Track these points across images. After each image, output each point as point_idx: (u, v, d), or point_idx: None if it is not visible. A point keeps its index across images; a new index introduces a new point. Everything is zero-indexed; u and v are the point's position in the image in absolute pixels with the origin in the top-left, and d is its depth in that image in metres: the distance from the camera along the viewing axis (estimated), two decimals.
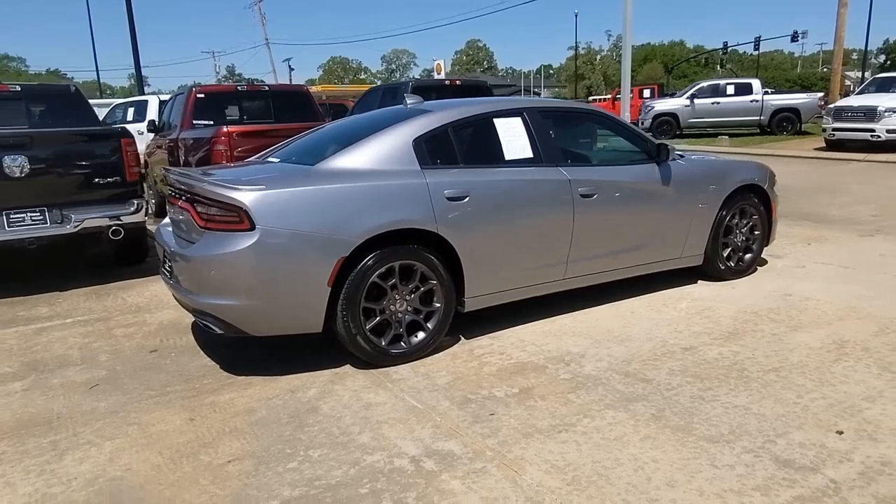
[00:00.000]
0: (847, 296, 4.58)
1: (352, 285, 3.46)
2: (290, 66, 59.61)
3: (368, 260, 3.48)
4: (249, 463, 2.72)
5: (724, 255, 5.04)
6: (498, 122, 4.07)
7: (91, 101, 7.85)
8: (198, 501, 2.46)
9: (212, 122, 7.91)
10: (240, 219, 3.25)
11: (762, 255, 5.68)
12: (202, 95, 8.20)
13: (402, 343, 3.70)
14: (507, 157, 4.03)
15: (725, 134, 18.59)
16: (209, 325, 3.48)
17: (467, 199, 3.74)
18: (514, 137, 4.07)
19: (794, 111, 19.34)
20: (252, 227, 3.23)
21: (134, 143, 6.15)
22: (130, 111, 14.84)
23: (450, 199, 3.68)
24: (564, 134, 4.61)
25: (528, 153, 4.10)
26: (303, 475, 2.60)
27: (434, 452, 2.73)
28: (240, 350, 3.99)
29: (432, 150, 3.80)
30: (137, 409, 3.28)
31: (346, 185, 3.49)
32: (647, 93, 23.74)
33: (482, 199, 3.79)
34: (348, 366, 3.69)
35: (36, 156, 5.55)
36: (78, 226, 5.68)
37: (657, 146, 4.53)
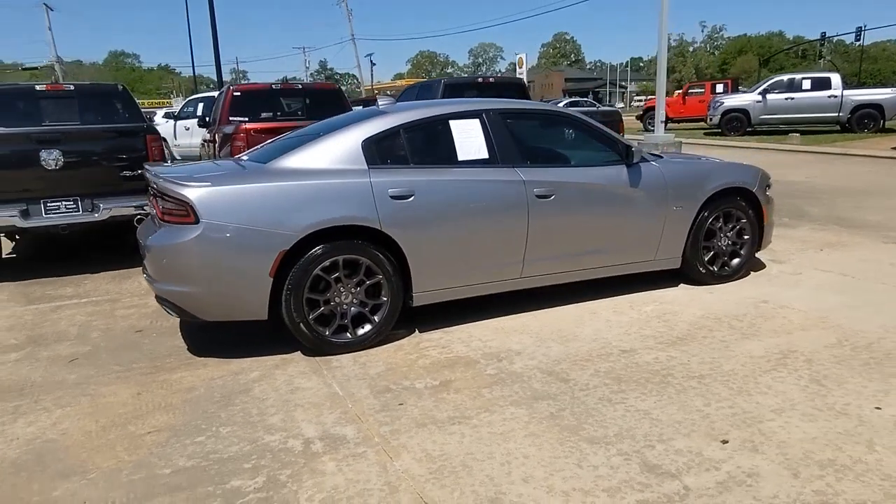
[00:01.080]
0: (827, 305, 4.40)
1: (295, 277, 3.69)
2: (371, 62, 61.27)
3: (311, 254, 3.70)
4: (165, 435, 3.00)
5: (706, 259, 4.93)
6: (454, 123, 4.18)
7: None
8: (105, 465, 2.76)
9: (246, 119, 8.37)
10: (187, 213, 3.54)
11: (761, 260, 5.53)
12: (238, 94, 8.68)
13: (348, 334, 3.90)
14: (461, 157, 4.14)
15: (798, 131, 17.62)
16: (168, 309, 3.80)
17: (412, 198, 3.88)
18: (469, 139, 4.17)
19: (876, 107, 18.10)
20: (197, 221, 3.52)
21: (159, 138, 6.66)
22: (200, 106, 15.80)
23: (394, 197, 3.84)
24: (529, 135, 4.66)
25: (484, 154, 4.19)
26: (203, 448, 2.85)
27: (328, 436, 2.92)
28: (213, 333, 4.29)
29: (382, 150, 3.97)
30: (98, 382, 3.65)
31: (290, 182, 3.72)
32: (720, 88, 22.78)
33: (428, 199, 3.93)
34: (298, 353, 3.93)
35: (69, 150, 6.13)
36: (107, 214, 6.23)
37: (625, 148, 4.50)
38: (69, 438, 3.01)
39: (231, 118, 8.58)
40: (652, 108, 24.04)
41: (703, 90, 23.43)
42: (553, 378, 3.43)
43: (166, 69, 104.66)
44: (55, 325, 4.77)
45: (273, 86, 9.11)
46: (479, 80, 10.22)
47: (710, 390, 3.21)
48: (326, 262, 3.77)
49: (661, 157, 4.95)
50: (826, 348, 3.68)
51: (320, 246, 3.73)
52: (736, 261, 5.08)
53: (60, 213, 6.20)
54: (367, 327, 3.94)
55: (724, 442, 2.71)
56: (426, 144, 4.17)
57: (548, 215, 4.26)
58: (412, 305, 4.08)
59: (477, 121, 4.23)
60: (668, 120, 23.40)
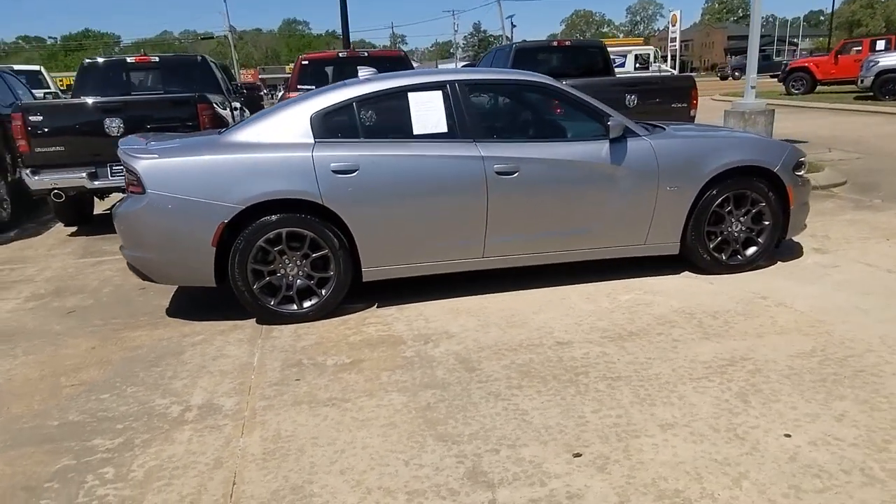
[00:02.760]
0: (833, 307, 3.80)
1: (239, 247, 3.81)
2: (512, 23, 60.29)
3: (254, 225, 3.80)
4: (81, 389, 3.27)
5: (711, 246, 4.41)
6: (413, 96, 4.04)
7: None
8: (16, 412, 3.07)
9: (313, 87, 8.64)
10: (138, 183, 3.76)
11: (801, 246, 4.89)
12: (306, 62, 8.97)
13: (294, 306, 3.98)
14: (417, 131, 4.00)
15: None
16: (135, 273, 4.09)
17: (356, 172, 3.83)
18: (427, 112, 4.02)
19: None
20: (144, 191, 3.73)
21: (210, 106, 7.06)
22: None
23: (336, 172, 3.81)
24: (501, 108, 4.38)
25: (443, 128, 4.02)
26: (100, 405, 3.08)
27: (207, 405, 3.03)
28: (201, 296, 4.52)
29: (332, 124, 3.94)
30: (72, 335, 4.03)
31: (234, 155, 3.81)
32: (881, 45, 19.75)
33: (374, 174, 3.86)
34: (253, 321, 4.08)
35: (128, 118, 6.68)
36: None
37: (608, 121, 4.10)
38: (10, 384, 3.37)
39: (299, 86, 8.90)
40: (797, 70, 21.61)
41: (860, 48, 20.49)
42: (462, 366, 3.28)
43: (333, 35, 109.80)
44: (85, 278, 5.31)
45: (339, 54, 9.29)
46: (554, 43, 9.69)
47: (613, 395, 2.91)
48: (270, 234, 3.84)
49: (664, 130, 4.47)
50: (789, 357, 3.18)
51: (263, 218, 3.81)
52: (752, 249, 4.50)
53: (123, 175, 6.82)
54: (314, 300, 3.99)
55: (576, 455, 2.47)
56: (380, 118, 4.07)
57: (510, 193, 4.02)
58: (363, 281, 4.06)
59: (439, 93, 4.06)
60: (816, 82, 20.94)
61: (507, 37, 62.13)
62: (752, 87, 8.26)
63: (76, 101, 6.75)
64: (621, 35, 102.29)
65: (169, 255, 3.86)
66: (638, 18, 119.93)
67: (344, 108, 3.97)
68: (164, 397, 3.13)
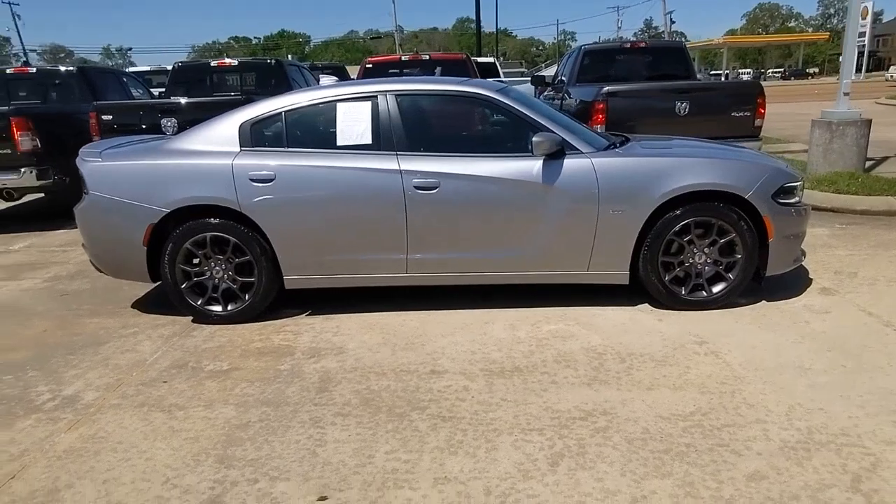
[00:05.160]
0: (772, 364, 3.22)
1: (170, 248, 4.02)
2: (671, 20, 57.29)
3: (182, 228, 3.99)
4: (11, 365, 3.64)
5: (667, 278, 3.92)
6: (342, 106, 4.00)
7: None
8: None
9: None
10: (83, 184, 4.10)
11: (803, 282, 4.24)
12: (370, 66, 9.17)
13: (219, 307, 4.13)
14: (341, 142, 3.95)
15: None
16: (93, 265, 4.43)
17: (272, 182, 3.88)
18: (353, 123, 3.96)
19: None
20: (87, 192, 4.06)
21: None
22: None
23: (254, 180, 3.88)
24: (435, 121, 4.17)
25: (367, 139, 3.94)
26: None
27: (71, 398, 3.23)
28: None
29: (259, 134, 4.01)
30: (42, 316, 4.48)
31: (166, 161, 4.01)
32: None
33: (289, 184, 3.88)
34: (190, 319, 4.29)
35: (182, 120, 7.25)
36: None
37: (544, 139, 3.77)
38: None
39: None
40: None
41: None
42: (317, 387, 3.22)
43: (504, 33, 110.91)
44: None
45: (402, 57, 9.37)
46: (628, 45, 8.98)
47: (424, 437, 2.70)
48: (197, 237, 4.01)
49: (626, 143, 4.05)
50: (656, 418, 2.76)
51: (190, 222, 3.99)
52: (720, 286, 3.93)
53: None
54: (238, 303, 4.11)
55: (321, 499, 2.33)
56: (306, 129, 4.06)
57: (431, 210, 3.85)
58: (286, 288, 4.11)
59: (367, 104, 3.98)
60: None
61: (668, 33, 59.12)
62: (846, 94, 7.17)
63: (138, 102, 7.46)
64: (810, 30, 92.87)
65: (110, 252, 4.16)
66: (831, 11, 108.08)
67: (271, 117, 4.03)
68: (48, 385, 3.39)
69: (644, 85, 7.24)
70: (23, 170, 7.17)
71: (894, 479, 2.29)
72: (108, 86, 9.37)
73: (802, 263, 4.55)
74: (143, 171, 4.01)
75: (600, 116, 6.60)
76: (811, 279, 4.42)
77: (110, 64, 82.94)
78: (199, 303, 4.11)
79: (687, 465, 2.43)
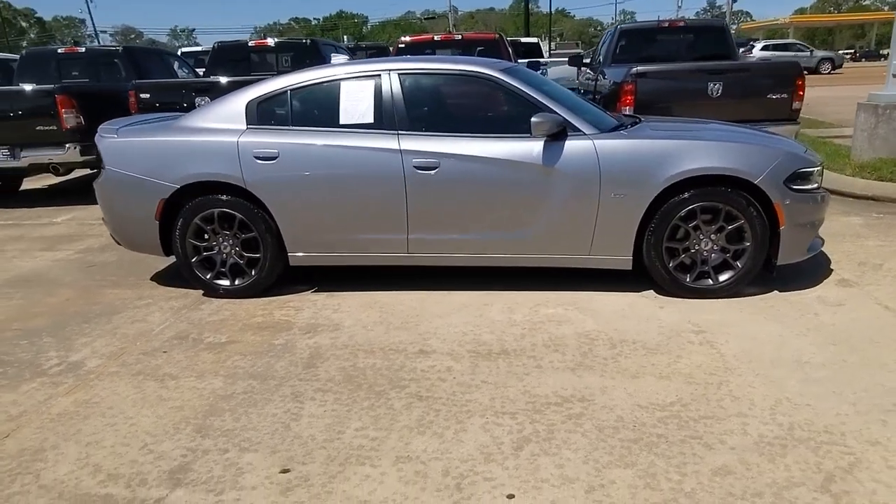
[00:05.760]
0: (768, 357, 3.10)
1: (180, 223, 4.14)
2: None
3: (191, 204, 4.11)
4: (17, 333, 3.83)
5: (671, 265, 3.82)
6: (346, 85, 4.01)
7: None
8: None
9: None
10: (100, 159, 4.25)
11: (822, 274, 4.06)
12: (403, 45, 9.14)
13: (227, 281, 4.24)
14: (343, 121, 3.97)
15: None
16: (112, 238, 4.60)
17: (276, 160, 3.94)
18: (356, 102, 3.97)
19: None
20: (104, 167, 4.21)
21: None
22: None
23: (258, 158, 3.95)
24: (437, 100, 4.11)
25: (369, 118, 3.95)
26: (8, 349, 3.59)
27: (77, 364, 3.38)
28: None
29: (265, 112, 4.07)
30: (69, 286, 4.70)
31: (178, 138, 4.11)
32: None
33: (292, 162, 3.93)
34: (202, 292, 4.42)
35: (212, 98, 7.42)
36: None
37: (544, 119, 3.69)
38: None
39: None
40: None
41: None
42: (305, 362, 3.28)
43: (561, 13, 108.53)
44: None
45: (435, 37, 9.31)
46: (665, 24, 8.65)
47: (396, 415, 2.73)
48: (206, 213, 4.12)
49: (637, 125, 3.95)
50: (634, 407, 2.70)
51: (199, 198, 4.09)
52: (727, 275, 3.80)
53: None
54: (245, 278, 4.21)
55: (283, 471, 2.39)
56: (311, 107, 4.08)
57: (431, 190, 3.85)
58: (290, 265, 4.19)
59: (371, 82, 3.98)
60: None
61: (730, 13, 56.76)
62: (895, 76, 6.76)
63: (174, 81, 7.66)
64: (886, 7, 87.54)
65: (126, 226, 4.31)
66: None
67: (277, 96, 4.08)
68: (58, 350, 3.56)
69: (675, 65, 6.98)
70: (67, 146, 7.46)
71: (869, 481, 2.18)
72: (152, 65, 9.65)
73: (825, 253, 4.37)
74: (155, 147, 4.12)
75: (629, 98, 6.42)
76: (832, 270, 4.22)
77: (176, 44, 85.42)
78: (207, 277, 4.23)
79: (654, 455, 2.37)
